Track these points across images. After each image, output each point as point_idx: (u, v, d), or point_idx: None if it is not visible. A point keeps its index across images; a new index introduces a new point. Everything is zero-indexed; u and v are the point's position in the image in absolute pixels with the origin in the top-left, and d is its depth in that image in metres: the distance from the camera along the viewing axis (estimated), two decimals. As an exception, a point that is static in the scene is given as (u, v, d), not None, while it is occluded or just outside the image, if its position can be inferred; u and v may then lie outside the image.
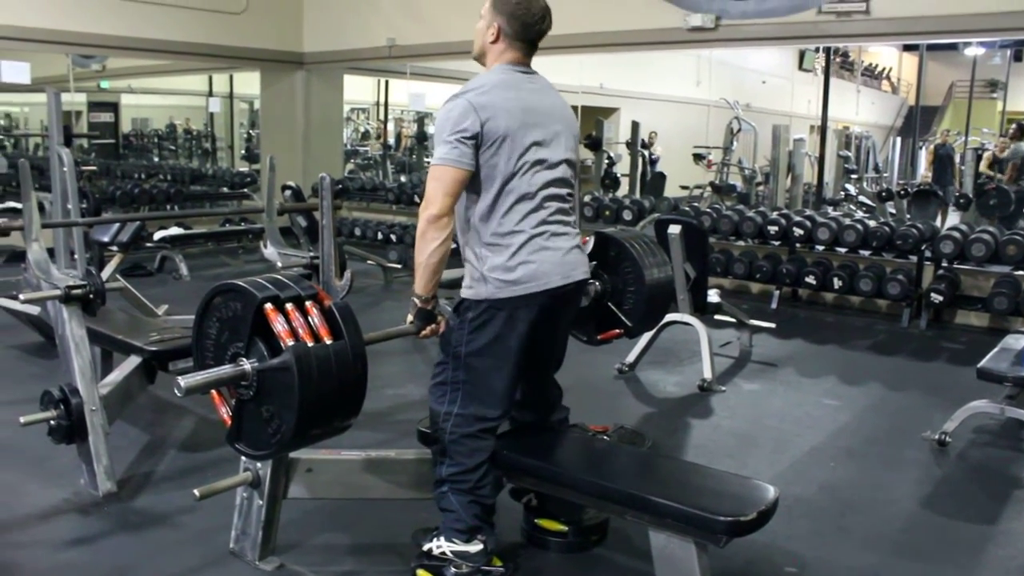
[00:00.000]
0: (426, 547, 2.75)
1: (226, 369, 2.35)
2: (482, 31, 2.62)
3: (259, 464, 2.72)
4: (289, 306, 2.29)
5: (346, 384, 2.33)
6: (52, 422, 3.32)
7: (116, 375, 3.73)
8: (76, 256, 4.13)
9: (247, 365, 2.33)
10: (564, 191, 2.66)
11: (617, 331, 3.34)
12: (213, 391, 2.44)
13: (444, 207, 2.46)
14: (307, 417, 2.27)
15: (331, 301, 2.39)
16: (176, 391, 2.26)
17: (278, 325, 2.26)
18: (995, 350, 4.29)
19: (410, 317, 2.63)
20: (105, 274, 5.06)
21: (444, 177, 2.46)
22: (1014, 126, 11.04)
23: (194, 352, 2.50)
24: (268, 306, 2.27)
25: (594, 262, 3.33)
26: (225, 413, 2.46)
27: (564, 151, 2.65)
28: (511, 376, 2.66)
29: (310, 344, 2.26)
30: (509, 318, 2.57)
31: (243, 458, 2.75)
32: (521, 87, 2.58)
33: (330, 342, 2.29)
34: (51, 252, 3.87)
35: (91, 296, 3.44)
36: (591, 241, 3.31)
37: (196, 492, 2.61)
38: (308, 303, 2.33)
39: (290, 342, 2.24)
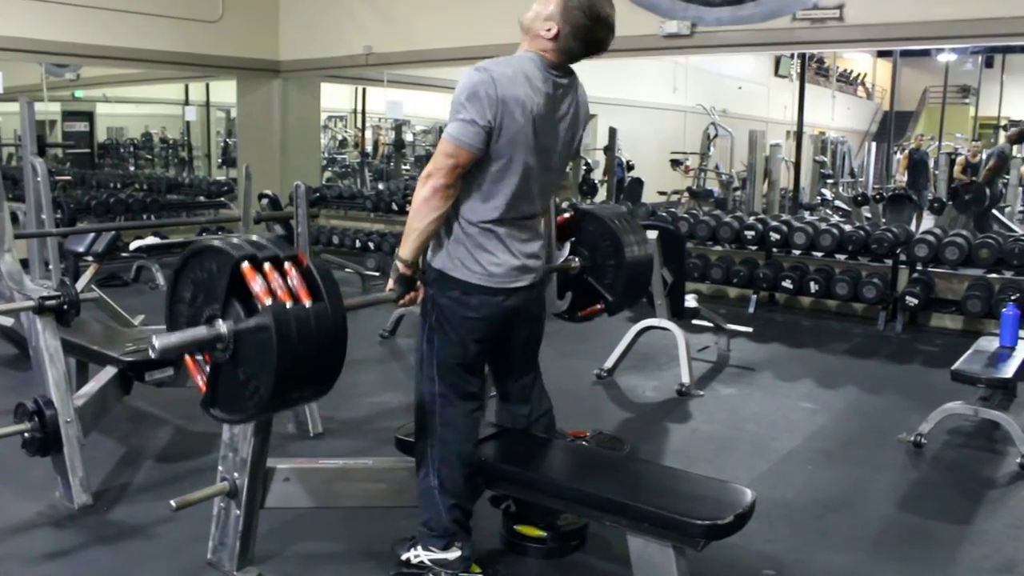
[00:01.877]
0: (404, 556, 2.74)
1: (201, 330, 2.27)
2: (540, 16, 2.50)
3: (236, 474, 2.70)
4: (267, 266, 2.22)
5: (325, 345, 2.27)
6: (26, 434, 3.28)
7: (91, 386, 3.70)
8: (50, 267, 4.11)
9: (223, 327, 2.26)
10: (539, 201, 2.65)
11: (598, 306, 3.34)
12: (188, 358, 2.38)
13: (452, 179, 2.44)
14: (285, 378, 2.21)
15: (309, 261, 2.32)
16: (150, 352, 2.19)
17: (256, 285, 2.19)
18: (969, 352, 4.34)
19: (391, 283, 2.59)
20: (80, 285, 5.03)
21: (456, 154, 2.42)
22: (1014, 128, 11.13)
23: (167, 318, 2.42)
24: (245, 265, 2.20)
25: (572, 239, 3.34)
26: (201, 381, 2.39)
27: (555, 161, 2.64)
28: (478, 349, 2.66)
29: (289, 304, 2.20)
30: (471, 300, 2.57)
31: (220, 468, 2.74)
32: (544, 86, 2.50)
33: (309, 303, 2.23)
34: (25, 263, 3.83)
35: (65, 307, 3.40)
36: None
37: (172, 503, 2.58)
38: (287, 264, 2.26)
39: (268, 302, 2.17)
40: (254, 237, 2.35)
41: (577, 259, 3.31)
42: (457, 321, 2.60)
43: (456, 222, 2.55)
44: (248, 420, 2.51)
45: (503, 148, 2.46)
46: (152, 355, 2.21)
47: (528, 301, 2.73)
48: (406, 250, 2.52)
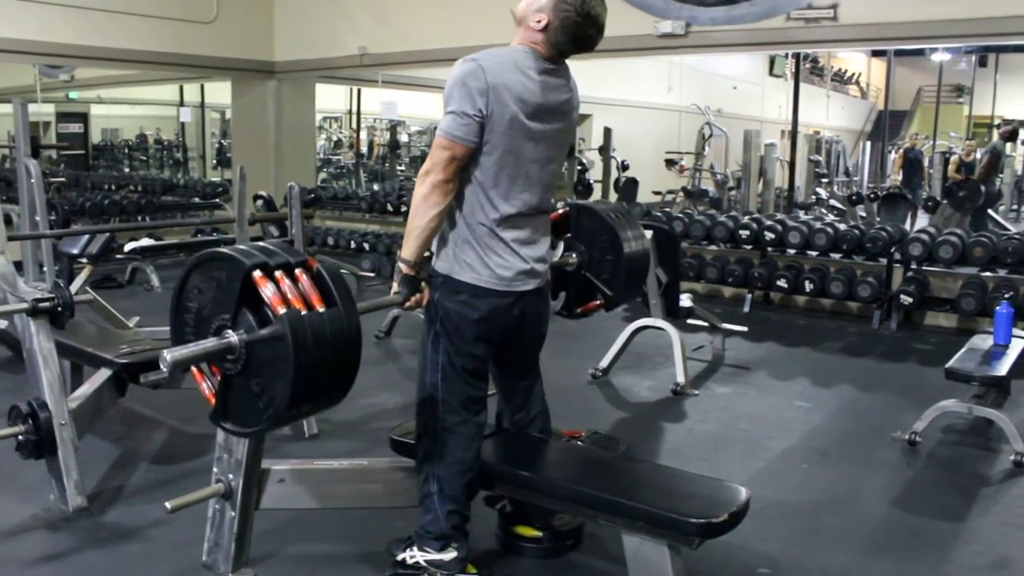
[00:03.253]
0: (400, 556, 2.74)
1: (212, 342, 2.23)
2: (532, 7, 2.49)
3: (231, 475, 2.70)
4: (278, 273, 2.19)
5: (341, 351, 2.24)
6: (20, 437, 3.27)
7: (86, 388, 3.69)
8: (44, 269, 4.10)
9: (234, 337, 2.22)
10: (541, 193, 2.63)
11: (597, 302, 3.34)
12: (193, 368, 2.34)
13: (450, 173, 2.44)
14: (302, 388, 2.18)
15: (319, 266, 2.28)
16: (162, 365, 2.15)
17: (268, 292, 2.16)
18: (962, 350, 4.35)
19: (395, 286, 2.57)
20: (74, 286, 5.02)
21: (450, 147, 2.42)
22: (1006, 126, 11.16)
23: (172, 328, 2.38)
24: (257, 273, 2.17)
25: (568, 235, 3.33)
26: (207, 388, 2.35)
27: (553, 151, 2.62)
28: (482, 355, 2.65)
29: (303, 312, 2.16)
30: (477, 303, 2.56)
31: (215, 469, 2.74)
32: (537, 76, 2.50)
33: (323, 309, 2.20)
34: (19, 265, 3.83)
35: (59, 309, 3.39)
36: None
37: (168, 505, 2.58)
38: (298, 270, 2.23)
39: (282, 310, 2.14)
40: (263, 243, 2.31)
41: (574, 255, 3.30)
42: (463, 325, 2.58)
43: (461, 224, 2.54)
44: (262, 433, 2.48)
45: (498, 137, 2.45)
46: (164, 369, 2.17)
47: (535, 304, 2.73)
48: (408, 250, 2.51)
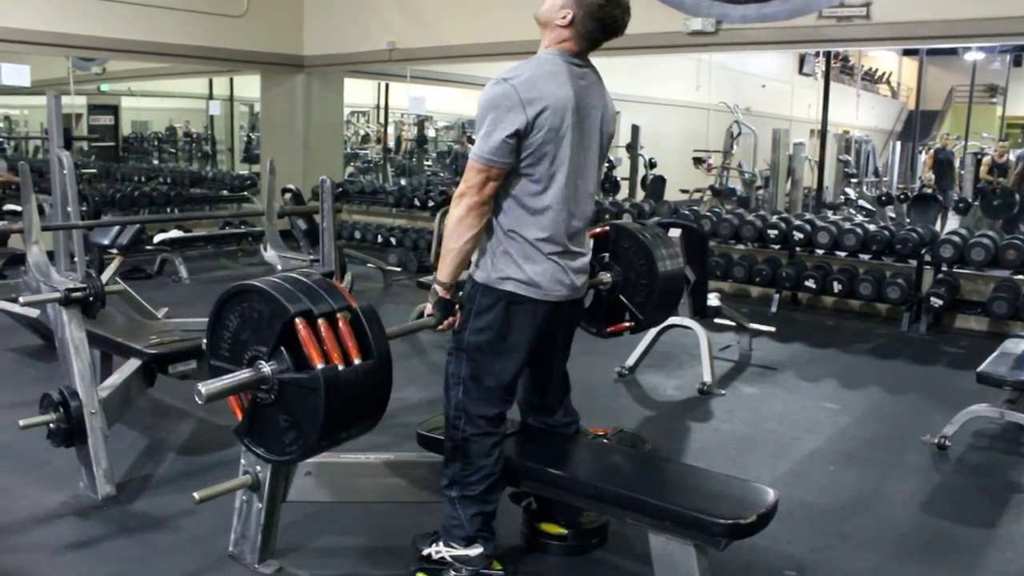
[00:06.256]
0: (426, 551, 2.74)
1: (246, 374, 2.24)
2: (556, 6, 2.49)
3: (259, 467, 2.72)
4: (321, 321, 2.18)
5: (372, 398, 2.28)
6: (51, 425, 3.31)
7: (116, 378, 3.73)
8: (76, 259, 4.14)
9: (267, 369, 2.23)
10: (586, 204, 2.62)
11: (626, 324, 3.34)
12: None
13: (486, 196, 2.43)
14: (330, 434, 2.22)
15: (358, 305, 2.27)
16: (196, 398, 2.17)
17: (309, 344, 2.15)
18: (994, 354, 4.29)
19: (429, 308, 2.57)
20: (105, 277, 5.07)
21: (486, 171, 2.41)
22: None
23: (208, 338, 2.39)
24: (299, 320, 2.16)
25: (606, 254, 3.33)
26: (235, 403, 2.36)
27: (594, 157, 2.61)
28: (512, 371, 2.64)
29: (340, 368, 2.16)
30: (513, 312, 2.55)
31: (242, 461, 2.75)
32: (571, 81, 2.48)
33: (359, 362, 2.19)
34: (51, 255, 3.87)
35: (91, 299, 3.43)
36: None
37: (195, 495, 2.60)
38: (339, 314, 2.21)
39: (320, 365, 2.14)
40: (308, 282, 2.28)
41: (609, 275, 3.30)
42: (498, 337, 2.57)
43: (502, 235, 2.52)
44: (286, 463, 2.55)
45: (540, 151, 2.43)
46: (199, 401, 2.18)
47: (569, 311, 2.73)
48: (444, 272, 2.50)
